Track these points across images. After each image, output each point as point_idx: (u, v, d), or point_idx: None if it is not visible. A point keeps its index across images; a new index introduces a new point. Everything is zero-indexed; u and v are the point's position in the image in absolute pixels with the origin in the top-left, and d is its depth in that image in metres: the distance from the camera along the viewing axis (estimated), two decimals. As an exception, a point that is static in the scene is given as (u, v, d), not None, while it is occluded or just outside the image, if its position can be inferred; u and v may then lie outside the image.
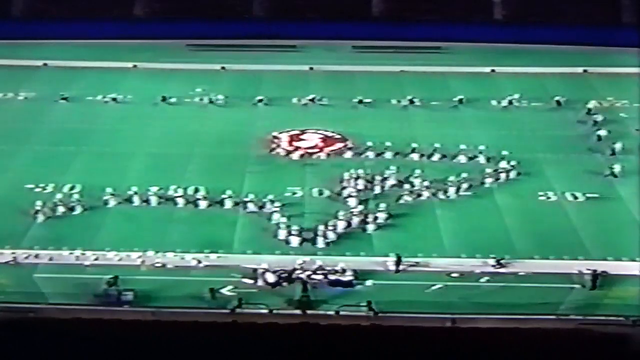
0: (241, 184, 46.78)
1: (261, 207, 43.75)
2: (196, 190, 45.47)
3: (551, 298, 36.76)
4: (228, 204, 44.09)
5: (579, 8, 72.84)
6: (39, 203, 43.54)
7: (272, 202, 43.91)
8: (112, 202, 44.43)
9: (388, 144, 50.75)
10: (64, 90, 59.97)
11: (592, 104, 57.54)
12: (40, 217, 42.95)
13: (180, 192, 45.01)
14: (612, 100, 58.89)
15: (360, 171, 47.39)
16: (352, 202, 44.41)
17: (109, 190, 45.11)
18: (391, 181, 46.61)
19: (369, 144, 50.99)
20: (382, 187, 46.20)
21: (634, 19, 71.30)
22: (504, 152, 49.90)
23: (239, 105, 58.83)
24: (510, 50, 70.10)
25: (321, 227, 41.55)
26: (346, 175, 46.89)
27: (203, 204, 44.17)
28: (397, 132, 53.09)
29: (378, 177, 46.83)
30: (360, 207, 43.56)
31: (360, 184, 46.25)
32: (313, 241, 40.97)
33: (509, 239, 41.69)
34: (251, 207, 43.80)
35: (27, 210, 43.22)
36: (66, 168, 48.54)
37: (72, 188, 45.72)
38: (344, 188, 45.89)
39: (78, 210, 43.80)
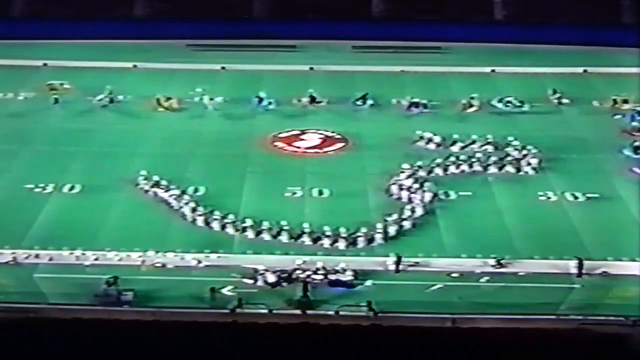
0: (241, 184, 46.84)
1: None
2: (195, 191, 45.54)
3: (551, 298, 36.69)
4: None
5: (579, 8, 72.72)
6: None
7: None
8: (111, 202, 44.42)
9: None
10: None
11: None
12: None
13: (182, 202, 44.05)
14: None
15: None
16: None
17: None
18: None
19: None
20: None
21: (634, 19, 71.19)
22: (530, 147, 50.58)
23: (239, 105, 58.83)
24: (510, 50, 69.98)
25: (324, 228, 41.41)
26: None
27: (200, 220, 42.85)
28: (397, 132, 53.07)
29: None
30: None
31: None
32: (315, 241, 40.87)
33: (509, 239, 41.66)
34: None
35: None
36: (66, 168, 48.53)
37: (71, 188, 45.79)
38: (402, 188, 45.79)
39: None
